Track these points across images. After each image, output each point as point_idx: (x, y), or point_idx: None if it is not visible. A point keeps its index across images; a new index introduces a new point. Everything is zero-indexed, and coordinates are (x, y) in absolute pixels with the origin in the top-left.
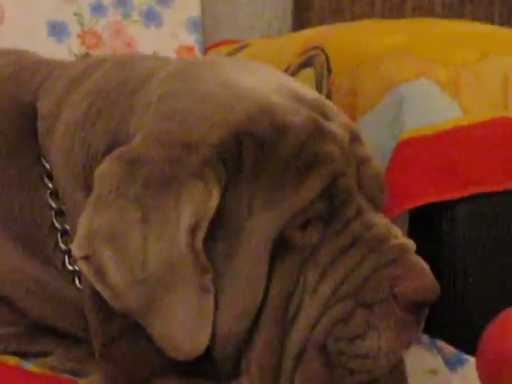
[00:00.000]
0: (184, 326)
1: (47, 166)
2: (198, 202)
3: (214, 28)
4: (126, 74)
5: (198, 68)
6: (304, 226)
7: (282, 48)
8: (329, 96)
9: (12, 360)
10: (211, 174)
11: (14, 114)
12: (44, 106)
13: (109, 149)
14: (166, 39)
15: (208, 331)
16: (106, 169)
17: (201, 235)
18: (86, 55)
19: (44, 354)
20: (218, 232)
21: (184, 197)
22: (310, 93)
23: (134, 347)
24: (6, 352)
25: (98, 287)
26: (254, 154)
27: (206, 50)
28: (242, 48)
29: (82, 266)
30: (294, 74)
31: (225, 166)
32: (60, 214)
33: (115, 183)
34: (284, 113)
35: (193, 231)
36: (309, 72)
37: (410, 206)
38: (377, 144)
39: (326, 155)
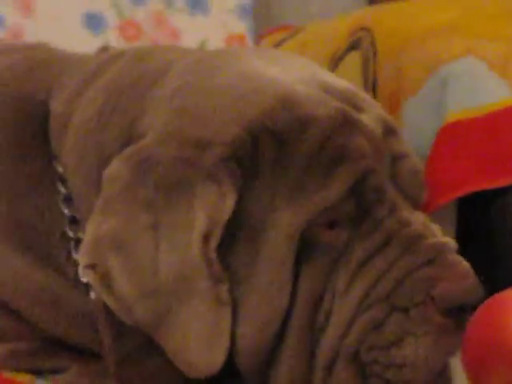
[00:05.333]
0: (198, 341)
1: (60, 169)
2: (211, 205)
3: (277, 12)
4: (142, 69)
5: (217, 59)
6: (331, 226)
7: (332, 31)
8: (375, 80)
9: (24, 377)
10: (225, 174)
11: (25, 114)
12: (57, 105)
13: (123, 149)
14: (213, 28)
15: (224, 346)
16: (114, 170)
17: (214, 242)
18: (105, 48)
19: (60, 370)
20: (236, 237)
21: (196, 200)
22: (341, 83)
23: (150, 365)
24: (18, 369)
25: (106, 299)
26: (273, 151)
27: (259, 39)
28: (293, 34)
29: (88, 276)
30: (341, 58)
31: (240, 165)
32: (73, 221)
33: (124, 186)
34: (308, 104)
35: (206, 238)
36: (355, 55)
37: (455, 194)
38: (422, 129)
39: (355, 150)
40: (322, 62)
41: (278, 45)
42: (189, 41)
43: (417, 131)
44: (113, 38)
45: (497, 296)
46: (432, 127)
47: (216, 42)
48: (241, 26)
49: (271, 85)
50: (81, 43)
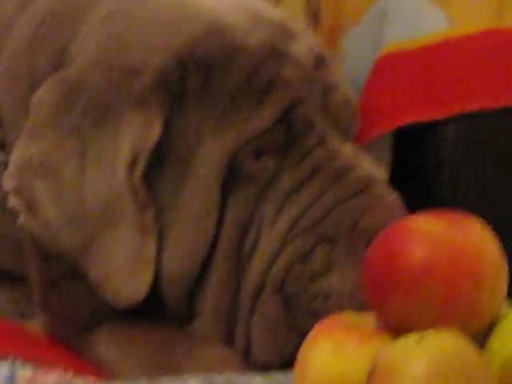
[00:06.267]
0: (122, 269)
1: None
2: (137, 132)
3: None
4: None
5: None
6: (258, 155)
7: None
8: (317, 11)
9: None
10: (152, 101)
11: None
12: None
13: (53, 74)
14: None
15: (149, 274)
16: (42, 95)
17: (140, 169)
18: None
19: None
20: (163, 164)
21: (123, 126)
22: (274, 13)
23: (76, 292)
24: None
25: (30, 224)
26: (201, 79)
27: None
28: None
29: (12, 200)
30: None
31: (168, 92)
32: (2, 146)
33: (51, 111)
34: (237, 33)
35: (131, 165)
36: None
37: (389, 126)
38: (360, 60)
39: (283, 79)
40: None
41: None
42: None
43: (355, 62)
44: None
45: (394, 224)
46: (370, 58)
47: None
48: None
49: (201, 13)
50: None
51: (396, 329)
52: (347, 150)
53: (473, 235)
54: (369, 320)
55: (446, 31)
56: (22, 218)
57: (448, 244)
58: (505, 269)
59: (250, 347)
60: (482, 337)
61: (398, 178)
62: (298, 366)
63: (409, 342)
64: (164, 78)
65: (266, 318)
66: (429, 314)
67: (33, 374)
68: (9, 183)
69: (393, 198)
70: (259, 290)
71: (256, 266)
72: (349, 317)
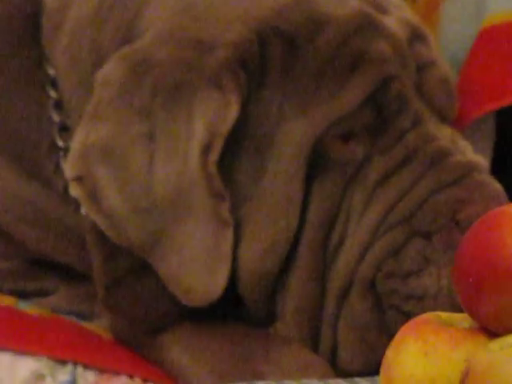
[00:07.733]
0: (196, 265)
1: (51, 71)
2: (212, 114)
3: None
4: None
5: None
6: (347, 139)
7: None
8: None
9: (6, 300)
10: (229, 80)
11: (15, 9)
12: (51, 0)
13: (120, 49)
14: None
15: (225, 271)
16: (108, 72)
17: (215, 155)
18: None
19: (45, 293)
20: (240, 149)
21: (197, 107)
22: None
23: (144, 290)
24: (1, 291)
25: (93, 215)
26: (284, 54)
27: None
28: None
29: (74, 189)
30: None
31: (246, 69)
32: (64, 129)
33: (117, 90)
34: (325, 3)
35: (206, 150)
36: None
37: (492, 106)
38: (460, 33)
39: (375, 54)
40: None
41: None
42: None
43: (454, 37)
44: None
45: (492, 211)
46: (471, 32)
47: None
48: None
49: None
50: None
51: (491, 329)
52: (444, 134)
53: None
54: (462, 319)
55: None
56: (84, 209)
57: None
58: None
59: (335, 351)
60: None
61: (500, 164)
62: (383, 368)
63: (505, 343)
64: (242, 52)
65: (354, 320)
66: None
67: (95, 381)
68: (70, 171)
69: (495, 187)
70: (346, 289)
71: (343, 263)
72: (440, 316)
